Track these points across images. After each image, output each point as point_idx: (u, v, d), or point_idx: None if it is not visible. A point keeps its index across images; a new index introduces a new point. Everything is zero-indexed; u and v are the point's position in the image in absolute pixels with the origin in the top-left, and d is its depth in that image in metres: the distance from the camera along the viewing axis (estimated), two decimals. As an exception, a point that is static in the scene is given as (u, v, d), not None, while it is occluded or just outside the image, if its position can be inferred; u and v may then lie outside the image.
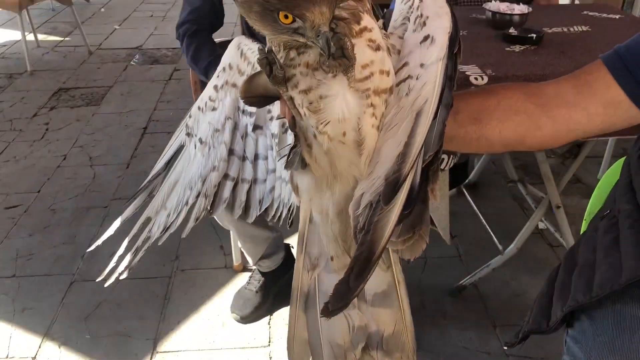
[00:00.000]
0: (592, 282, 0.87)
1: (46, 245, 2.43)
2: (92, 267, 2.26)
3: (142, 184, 1.02)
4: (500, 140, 0.86)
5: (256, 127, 0.95)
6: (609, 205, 1.02)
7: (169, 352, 1.90)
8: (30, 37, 4.93)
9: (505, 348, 1.82)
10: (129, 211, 0.99)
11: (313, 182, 0.78)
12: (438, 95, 0.65)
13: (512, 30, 1.91)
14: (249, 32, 1.64)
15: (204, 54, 1.86)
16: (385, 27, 0.75)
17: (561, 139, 0.89)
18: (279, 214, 0.97)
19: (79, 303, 2.10)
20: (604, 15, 2.22)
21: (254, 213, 0.96)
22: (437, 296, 2.09)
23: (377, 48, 0.68)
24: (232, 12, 1.94)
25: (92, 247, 1.01)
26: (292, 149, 0.77)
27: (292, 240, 2.20)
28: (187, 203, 0.95)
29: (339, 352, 0.84)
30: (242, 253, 2.16)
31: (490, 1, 2.13)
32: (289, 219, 0.96)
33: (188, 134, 0.98)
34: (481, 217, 2.34)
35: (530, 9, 2.05)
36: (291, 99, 0.71)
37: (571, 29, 2.02)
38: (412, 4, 0.74)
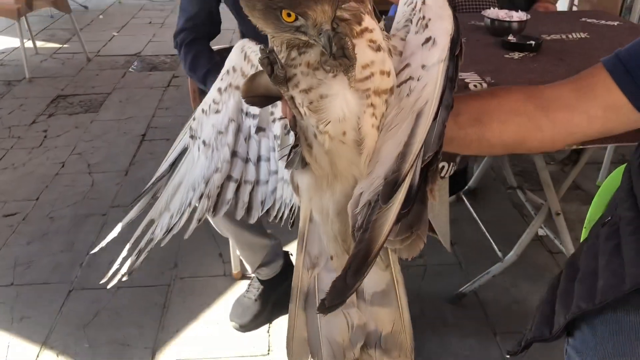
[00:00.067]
0: (594, 289, 0.86)
1: (44, 253, 2.42)
2: (90, 275, 2.25)
3: (140, 191, 1.02)
4: (500, 141, 0.87)
5: (259, 129, 0.96)
6: (610, 212, 1.02)
7: (167, 360, 1.89)
8: (28, 44, 4.94)
9: (508, 357, 1.82)
10: (132, 213, 1.00)
11: (313, 182, 0.79)
12: (439, 97, 0.66)
13: (510, 37, 1.92)
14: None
15: (202, 62, 1.86)
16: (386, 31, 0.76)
17: (561, 141, 0.89)
18: (280, 214, 0.97)
19: (78, 311, 2.09)
20: (602, 22, 2.23)
21: (256, 214, 0.97)
22: (437, 304, 2.08)
23: (378, 49, 0.69)
24: (229, 19, 1.94)
25: (95, 250, 1.02)
26: (292, 148, 0.77)
27: (291, 248, 2.19)
28: (190, 204, 0.96)
29: (337, 351, 0.85)
30: (241, 261, 2.15)
31: (489, 8, 2.14)
32: (291, 219, 0.97)
33: (192, 137, 0.99)
34: (480, 224, 2.33)
35: (529, 16, 2.06)
36: (292, 98, 0.71)
37: (570, 36, 2.03)
38: (415, 6, 0.74)
